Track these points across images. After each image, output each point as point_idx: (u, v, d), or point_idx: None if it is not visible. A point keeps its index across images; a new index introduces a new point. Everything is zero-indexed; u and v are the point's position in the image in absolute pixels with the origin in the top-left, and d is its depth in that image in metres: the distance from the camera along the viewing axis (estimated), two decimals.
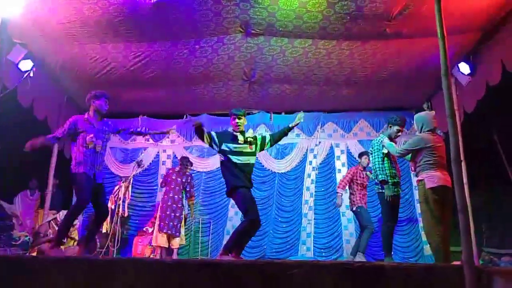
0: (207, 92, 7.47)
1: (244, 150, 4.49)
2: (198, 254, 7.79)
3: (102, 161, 4.55)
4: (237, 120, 4.56)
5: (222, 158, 4.54)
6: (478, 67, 5.75)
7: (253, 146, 4.58)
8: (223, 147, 4.46)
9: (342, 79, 6.86)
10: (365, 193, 6.51)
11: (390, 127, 4.86)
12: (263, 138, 4.74)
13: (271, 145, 4.81)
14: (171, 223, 6.67)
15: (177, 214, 6.78)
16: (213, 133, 4.54)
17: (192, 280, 3.04)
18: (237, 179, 4.36)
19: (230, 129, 4.71)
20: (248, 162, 4.50)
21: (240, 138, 4.52)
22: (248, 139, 4.58)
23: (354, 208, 6.36)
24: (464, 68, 5.86)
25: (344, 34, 5.61)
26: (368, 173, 6.54)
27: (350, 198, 6.49)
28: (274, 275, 2.99)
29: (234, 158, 4.43)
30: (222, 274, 3.02)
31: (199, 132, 4.40)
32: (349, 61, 6.30)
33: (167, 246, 6.72)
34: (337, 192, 6.64)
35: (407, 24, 5.29)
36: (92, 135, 4.40)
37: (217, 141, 4.48)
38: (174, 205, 6.77)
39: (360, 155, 6.77)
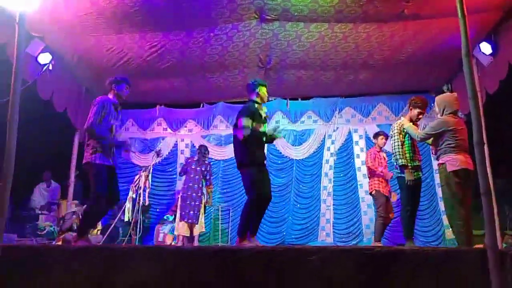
0: (223, 80, 7.47)
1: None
2: (219, 241, 7.88)
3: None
4: (264, 90, 4.50)
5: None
6: (500, 46, 5.59)
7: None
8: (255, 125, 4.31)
9: (359, 63, 6.77)
10: (382, 179, 6.19)
11: (411, 109, 4.75)
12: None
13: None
14: (191, 212, 6.76)
15: (197, 203, 6.86)
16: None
17: (211, 267, 3.07)
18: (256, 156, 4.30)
19: (253, 104, 4.48)
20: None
21: (262, 114, 4.45)
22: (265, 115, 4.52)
23: (373, 192, 6.14)
24: (486, 48, 5.71)
25: (360, 17, 5.50)
26: (384, 154, 6.37)
27: (369, 183, 6.33)
28: (293, 261, 3.00)
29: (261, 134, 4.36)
30: (240, 260, 3.04)
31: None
32: (366, 44, 6.19)
33: (188, 234, 6.82)
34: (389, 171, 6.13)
35: (426, 5, 5.16)
36: (116, 123, 4.35)
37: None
38: (194, 194, 6.84)
39: (375, 135, 6.47)
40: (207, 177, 7.04)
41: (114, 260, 3.13)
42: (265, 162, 4.45)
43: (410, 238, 4.64)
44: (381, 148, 6.33)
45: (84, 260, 3.15)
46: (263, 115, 4.46)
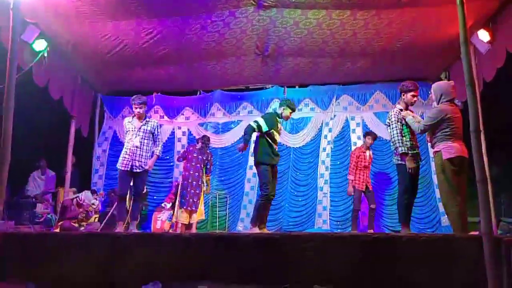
0: (220, 68, 7.43)
1: (278, 139, 5.38)
2: (216, 228, 7.93)
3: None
4: (288, 113, 5.41)
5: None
6: (498, 34, 5.57)
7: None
8: (271, 131, 5.21)
9: (357, 51, 6.74)
10: (367, 174, 6.89)
11: (404, 95, 4.74)
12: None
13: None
14: (191, 200, 6.81)
15: (197, 191, 6.91)
16: (261, 123, 5.19)
17: (210, 253, 3.10)
18: (267, 156, 5.18)
19: (276, 115, 5.41)
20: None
21: (280, 126, 5.41)
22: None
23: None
24: (484, 35, 5.69)
25: (358, 4, 5.46)
26: (370, 152, 6.98)
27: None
28: (290, 247, 3.03)
29: (271, 141, 5.22)
30: (238, 247, 3.07)
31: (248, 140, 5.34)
32: (364, 32, 6.15)
33: (187, 222, 6.87)
34: (349, 180, 6.93)
35: None
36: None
37: (267, 127, 5.19)
38: (194, 182, 6.88)
39: (366, 134, 7.07)
40: (208, 166, 7.12)
41: (114, 246, 3.15)
42: (275, 163, 5.29)
43: (406, 225, 4.67)
44: (367, 147, 6.93)
45: (86, 247, 3.17)
46: (280, 127, 5.40)
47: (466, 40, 3.10)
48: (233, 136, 8.46)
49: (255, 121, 5.25)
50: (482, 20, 5.69)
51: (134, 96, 5.38)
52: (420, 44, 6.41)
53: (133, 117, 5.39)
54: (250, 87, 8.49)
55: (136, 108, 5.27)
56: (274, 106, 5.38)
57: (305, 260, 2.98)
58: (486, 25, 5.70)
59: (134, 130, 5.28)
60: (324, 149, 8.23)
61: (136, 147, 5.21)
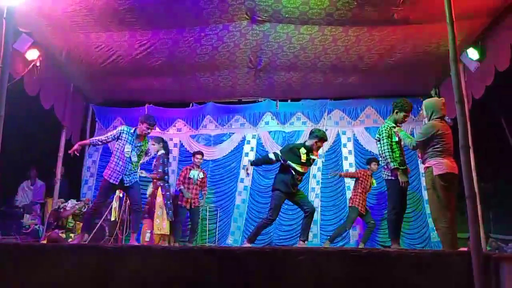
0: (213, 80, 7.46)
1: (302, 170, 5.29)
2: (206, 241, 7.86)
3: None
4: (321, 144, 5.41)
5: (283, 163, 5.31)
6: (487, 52, 5.68)
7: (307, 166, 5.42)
8: (288, 163, 5.22)
9: (348, 66, 6.81)
10: (365, 198, 7.04)
11: (397, 112, 4.80)
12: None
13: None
14: (171, 212, 6.70)
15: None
16: (279, 155, 5.31)
17: (199, 266, 3.07)
18: (284, 184, 5.23)
19: (302, 146, 5.37)
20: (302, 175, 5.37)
21: (303, 156, 5.24)
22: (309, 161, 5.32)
23: (350, 204, 7.01)
24: (473, 53, 5.79)
25: (351, 20, 5.54)
26: (374, 181, 7.16)
27: (352, 195, 7.06)
28: (281, 261, 3.02)
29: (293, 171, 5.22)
30: (228, 260, 3.05)
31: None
32: (356, 48, 6.24)
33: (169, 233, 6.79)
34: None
35: (415, 10, 5.21)
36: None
37: (284, 158, 5.25)
38: (168, 194, 6.79)
39: (369, 161, 7.25)
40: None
41: (105, 258, 3.11)
42: (290, 192, 5.27)
43: (396, 240, 4.69)
44: (372, 174, 7.13)
45: (76, 258, 3.13)
46: (303, 157, 5.24)
47: (455, 58, 3.15)
48: (225, 148, 8.46)
49: (275, 153, 5.42)
50: (472, 38, 5.79)
51: (148, 116, 5.30)
52: (410, 60, 6.50)
53: (134, 131, 5.23)
54: (243, 100, 8.52)
55: (148, 128, 5.19)
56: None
57: (295, 274, 2.97)
58: (475, 43, 5.80)
59: (132, 144, 5.17)
60: (315, 163, 8.24)
61: (131, 161, 5.15)
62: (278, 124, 8.50)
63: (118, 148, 5.17)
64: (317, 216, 7.95)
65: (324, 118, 8.40)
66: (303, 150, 5.27)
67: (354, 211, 6.90)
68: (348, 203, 7.32)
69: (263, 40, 6.16)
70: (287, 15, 5.49)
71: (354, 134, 8.31)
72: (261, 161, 5.52)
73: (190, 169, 7.26)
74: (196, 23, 5.70)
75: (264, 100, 8.43)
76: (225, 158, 8.40)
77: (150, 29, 5.82)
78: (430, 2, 4.93)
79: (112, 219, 6.70)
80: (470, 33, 5.65)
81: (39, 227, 6.94)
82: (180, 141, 8.63)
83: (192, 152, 7.89)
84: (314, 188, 8.12)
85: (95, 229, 6.49)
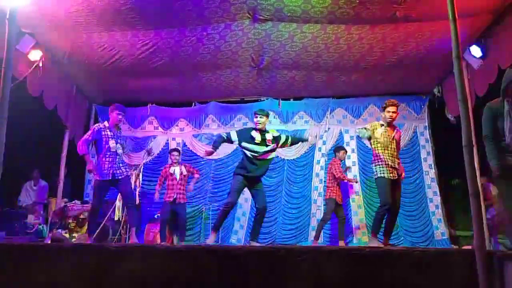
0: (215, 79, 7.46)
1: (259, 150, 4.95)
2: None
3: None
4: (258, 118, 5.00)
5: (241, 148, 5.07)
6: (490, 50, 5.65)
7: (270, 145, 5.02)
8: (243, 144, 4.97)
9: (351, 64, 6.80)
10: (339, 188, 6.97)
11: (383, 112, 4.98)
12: (286, 138, 5.28)
13: (288, 146, 5.45)
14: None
15: None
16: (231, 133, 5.06)
17: (201, 266, 3.07)
18: (241, 168, 5.00)
19: (253, 129, 5.07)
20: (261, 157, 4.97)
21: (258, 138, 4.96)
22: (267, 139, 4.99)
23: (327, 197, 6.96)
24: (476, 51, 5.77)
25: (353, 19, 5.53)
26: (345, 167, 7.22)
27: (327, 187, 7.04)
28: (284, 260, 3.01)
29: (249, 153, 4.95)
30: (228, 260, 3.05)
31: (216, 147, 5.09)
32: (358, 46, 6.22)
33: None
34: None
35: (417, 7, 5.19)
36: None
37: (236, 139, 5.00)
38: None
39: (337, 149, 7.25)
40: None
41: (106, 258, 3.12)
42: (247, 174, 4.96)
43: (374, 235, 4.75)
44: (341, 161, 7.13)
45: (77, 258, 3.13)
46: (257, 138, 4.97)
47: (458, 56, 3.13)
48: (227, 148, 8.45)
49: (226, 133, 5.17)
50: (475, 35, 5.77)
51: (115, 104, 5.26)
52: (413, 58, 6.49)
53: (109, 124, 5.21)
54: (245, 99, 8.52)
55: (119, 114, 5.18)
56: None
57: (297, 273, 2.97)
58: (478, 41, 5.78)
59: (115, 138, 5.16)
60: (318, 162, 8.24)
61: (116, 154, 5.13)
62: (280, 123, 8.49)
63: (102, 147, 5.14)
64: (320, 215, 7.91)
65: (327, 117, 8.39)
66: (254, 132, 5.02)
67: (331, 202, 6.86)
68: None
69: (265, 39, 6.16)
70: (289, 14, 5.48)
71: (356, 133, 8.30)
72: (218, 142, 5.13)
73: (169, 166, 7.18)
74: (198, 22, 5.70)
75: (266, 99, 8.42)
76: (228, 158, 8.41)
77: (152, 28, 5.83)
78: None
79: (116, 218, 6.72)
80: (473, 30, 5.63)
81: (42, 227, 6.96)
82: (183, 140, 8.63)
83: (193, 152, 7.90)
84: (317, 187, 8.09)
85: (99, 229, 6.51)
